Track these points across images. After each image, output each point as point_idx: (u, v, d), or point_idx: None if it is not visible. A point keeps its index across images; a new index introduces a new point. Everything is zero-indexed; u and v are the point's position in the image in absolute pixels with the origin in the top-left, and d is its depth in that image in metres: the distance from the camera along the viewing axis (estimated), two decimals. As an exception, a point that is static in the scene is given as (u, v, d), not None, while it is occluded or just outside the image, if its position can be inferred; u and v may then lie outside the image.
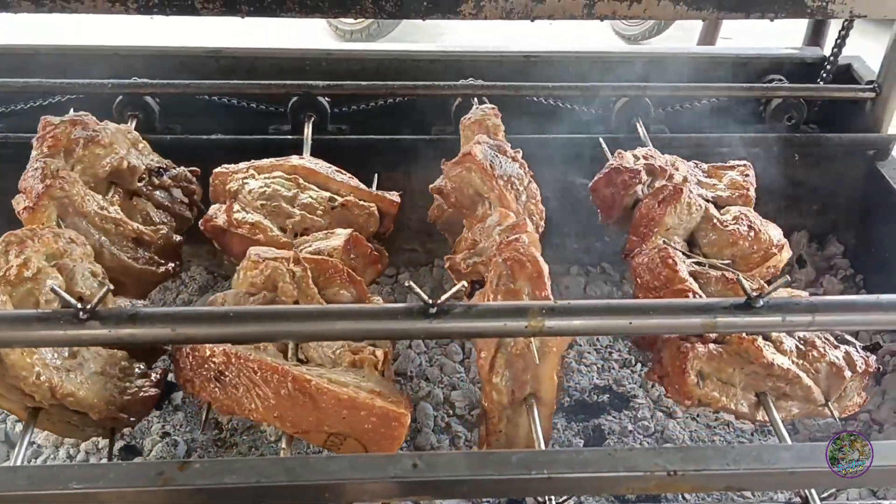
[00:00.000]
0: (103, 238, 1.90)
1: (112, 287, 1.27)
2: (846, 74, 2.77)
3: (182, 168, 2.22)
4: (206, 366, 1.55)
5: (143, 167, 2.11)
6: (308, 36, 6.62)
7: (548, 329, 1.31)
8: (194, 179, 2.24)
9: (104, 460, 2.11)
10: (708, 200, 2.09)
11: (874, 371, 1.85)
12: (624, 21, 6.42)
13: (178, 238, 2.09)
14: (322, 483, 1.05)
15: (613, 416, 2.31)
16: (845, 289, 2.70)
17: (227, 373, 1.50)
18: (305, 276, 1.68)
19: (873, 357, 1.86)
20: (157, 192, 2.13)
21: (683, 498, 2.08)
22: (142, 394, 1.66)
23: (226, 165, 2.12)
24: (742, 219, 2.02)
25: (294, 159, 2.16)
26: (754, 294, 1.33)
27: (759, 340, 1.72)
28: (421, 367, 2.43)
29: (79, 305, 1.22)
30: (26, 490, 1.01)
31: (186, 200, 2.19)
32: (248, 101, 2.59)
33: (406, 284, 1.36)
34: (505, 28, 5.98)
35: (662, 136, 2.60)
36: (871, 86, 2.64)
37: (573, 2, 1.90)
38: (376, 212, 2.10)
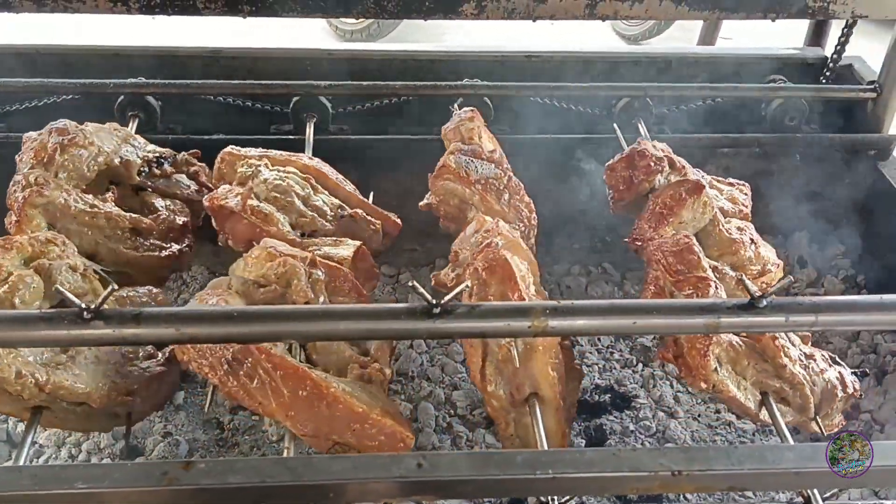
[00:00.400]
0: (98, 234, 1.91)
1: (116, 287, 1.26)
2: (847, 75, 2.77)
3: (182, 154, 2.22)
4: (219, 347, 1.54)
5: (140, 160, 2.11)
6: (308, 36, 6.62)
7: (551, 329, 1.31)
8: (195, 161, 2.23)
9: (106, 460, 2.11)
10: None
11: (857, 398, 1.90)
12: (624, 21, 6.43)
13: (181, 220, 2.07)
14: (326, 483, 1.05)
15: (615, 417, 2.31)
16: (846, 289, 2.71)
17: (243, 361, 1.49)
18: (321, 280, 1.68)
19: (858, 383, 1.90)
20: (162, 182, 2.13)
21: (685, 498, 2.08)
22: (148, 373, 1.66)
23: (236, 147, 2.11)
24: (745, 230, 2.05)
25: (305, 158, 2.16)
26: (757, 294, 1.33)
27: (781, 339, 1.73)
28: (422, 366, 2.44)
29: (83, 305, 1.22)
30: (31, 490, 1.01)
31: (195, 185, 2.18)
32: (249, 101, 2.59)
33: (409, 284, 1.36)
34: (505, 29, 5.99)
35: (664, 137, 2.60)
36: (873, 86, 2.64)
37: (575, 2, 1.89)
38: (381, 229, 2.11)
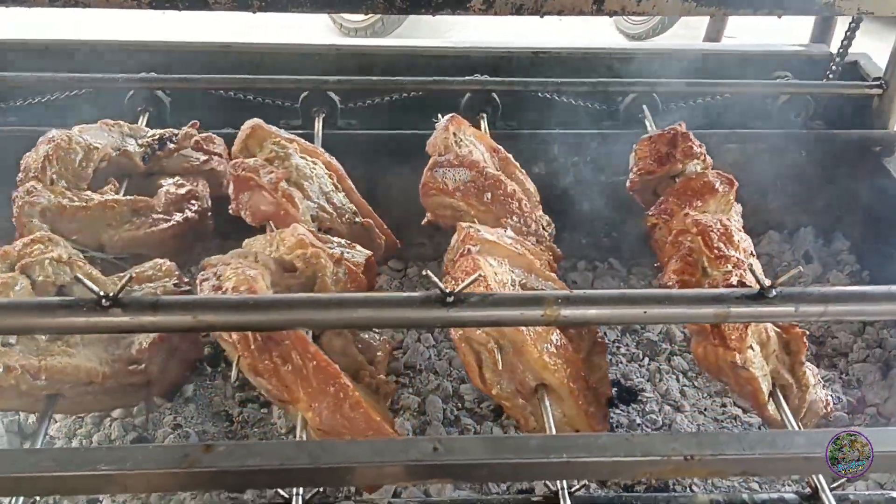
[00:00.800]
0: (98, 225, 1.94)
1: (134, 275, 1.28)
2: (853, 71, 2.78)
3: (182, 129, 2.22)
4: None
5: (140, 148, 2.13)
6: (309, 35, 6.62)
7: (563, 318, 1.32)
8: (195, 133, 2.24)
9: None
10: None
11: (830, 419, 1.97)
12: (628, 19, 6.45)
13: (182, 190, 2.07)
14: (343, 466, 1.07)
15: (622, 410, 2.32)
16: (851, 284, 2.72)
17: (280, 342, 1.50)
18: (343, 280, 1.71)
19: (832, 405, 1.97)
20: (169, 161, 2.14)
21: (691, 490, 2.10)
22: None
23: (265, 124, 2.14)
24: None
25: (326, 154, 2.18)
26: (767, 284, 1.35)
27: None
28: (430, 360, 2.45)
29: (101, 293, 1.24)
30: (54, 471, 1.03)
31: (203, 155, 2.19)
32: (258, 96, 2.61)
33: (424, 273, 1.37)
34: (509, 28, 6.00)
35: (670, 132, 2.62)
36: (878, 83, 2.65)
37: (583, -3, 1.91)
38: (383, 244, 2.14)
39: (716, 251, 1.82)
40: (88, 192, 1.98)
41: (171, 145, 2.17)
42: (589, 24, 6.69)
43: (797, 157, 2.73)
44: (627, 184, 2.28)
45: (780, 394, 1.80)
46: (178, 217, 2.01)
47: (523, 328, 1.63)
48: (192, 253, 2.08)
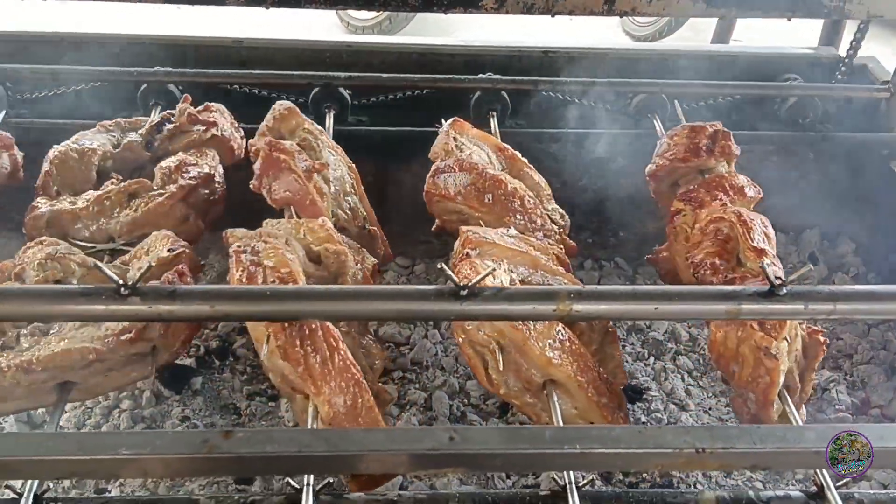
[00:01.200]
0: (103, 218, 1.96)
1: (153, 264, 1.30)
2: (861, 74, 2.79)
3: (177, 108, 2.22)
4: None
5: (139, 138, 2.15)
6: (316, 33, 6.65)
7: (575, 313, 1.33)
8: (188, 107, 2.23)
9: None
10: None
11: None
12: (634, 21, 6.47)
13: (174, 163, 2.06)
14: (360, 453, 1.08)
15: (627, 408, 2.33)
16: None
17: (314, 332, 1.51)
18: (365, 280, 1.73)
19: None
20: (173, 143, 2.15)
21: (695, 487, 2.11)
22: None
23: (299, 110, 2.18)
24: None
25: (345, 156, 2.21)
26: (778, 282, 1.36)
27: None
28: (436, 356, 2.46)
29: (120, 281, 1.25)
30: (76, 455, 1.04)
31: (203, 128, 2.19)
32: (270, 91, 2.62)
33: (438, 266, 1.39)
34: (517, 27, 6.01)
35: (678, 133, 2.63)
36: (886, 86, 2.67)
37: (593, -3, 1.93)
38: (381, 254, 2.17)
39: (755, 243, 1.85)
40: (90, 192, 2.01)
41: (170, 126, 2.18)
42: (595, 26, 6.71)
43: (804, 159, 2.74)
44: (652, 167, 2.26)
45: (786, 394, 1.81)
46: (171, 188, 2.00)
47: (523, 328, 1.64)
48: (206, 223, 2.07)
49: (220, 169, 2.16)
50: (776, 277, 1.37)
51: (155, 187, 2.02)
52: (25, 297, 1.25)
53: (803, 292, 1.37)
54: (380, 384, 1.75)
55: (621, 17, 1.97)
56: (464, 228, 1.91)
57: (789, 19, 2.09)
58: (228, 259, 1.73)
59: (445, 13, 2.04)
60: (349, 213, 2.06)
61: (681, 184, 2.22)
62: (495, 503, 1.47)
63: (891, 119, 2.67)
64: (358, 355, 1.72)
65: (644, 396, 2.37)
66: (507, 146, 2.30)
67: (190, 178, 2.03)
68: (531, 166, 2.28)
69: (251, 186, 2.04)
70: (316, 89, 2.55)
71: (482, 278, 1.34)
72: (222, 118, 2.26)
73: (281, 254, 1.62)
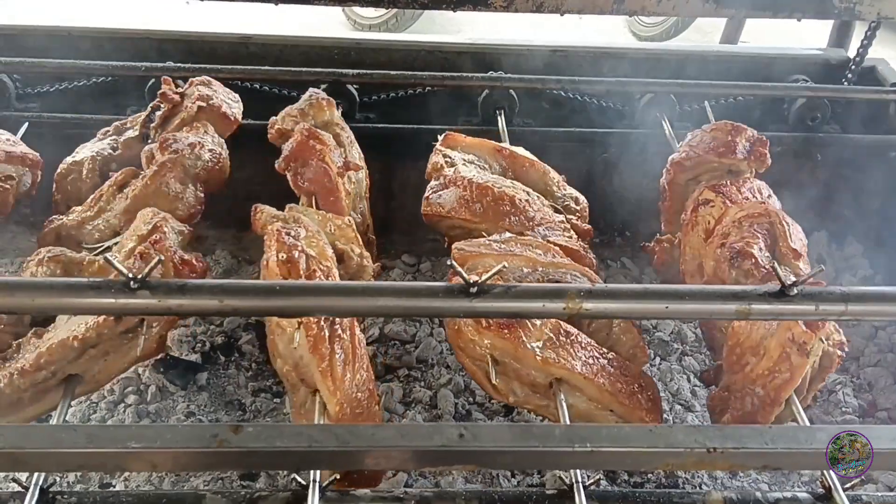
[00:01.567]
0: (106, 215, 1.97)
1: (162, 257, 1.29)
2: (870, 76, 2.79)
3: (162, 95, 2.21)
4: None
5: (135, 132, 2.17)
6: (322, 31, 6.66)
7: (585, 311, 1.33)
8: (172, 86, 2.23)
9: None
10: None
11: None
12: (641, 21, 6.46)
13: (153, 145, 2.06)
14: (370, 449, 1.08)
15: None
16: (864, 288, 2.72)
17: (344, 331, 1.51)
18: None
19: None
20: (170, 126, 2.15)
21: (700, 488, 2.10)
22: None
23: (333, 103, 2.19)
24: None
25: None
26: (789, 282, 1.35)
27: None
28: (442, 354, 2.46)
29: (130, 275, 1.25)
30: (86, 448, 1.04)
31: (191, 102, 2.17)
32: (278, 88, 2.62)
33: (448, 263, 1.38)
34: (523, 27, 6.01)
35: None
36: (895, 88, 2.66)
37: (603, -4, 1.92)
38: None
39: (793, 244, 1.88)
40: (89, 199, 2.03)
41: (157, 115, 2.19)
42: (601, 26, 6.70)
43: (812, 160, 2.73)
44: (679, 155, 2.24)
45: (794, 396, 1.80)
46: (153, 167, 1.99)
47: (511, 336, 1.64)
48: (210, 189, 2.08)
49: (215, 137, 2.15)
50: (787, 278, 1.36)
51: (143, 171, 2.02)
52: (35, 289, 1.25)
53: (814, 293, 1.36)
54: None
55: (630, 15, 1.97)
56: (454, 246, 1.91)
57: (799, 20, 2.08)
58: (264, 237, 1.71)
59: (454, 11, 2.03)
60: (360, 216, 2.06)
61: (702, 179, 2.20)
62: (501, 501, 1.47)
63: (899, 121, 2.67)
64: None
65: (650, 397, 2.36)
66: (505, 146, 2.29)
67: (171, 153, 2.02)
68: (534, 159, 2.25)
69: (276, 167, 2.03)
70: (324, 86, 2.55)
71: (492, 275, 1.34)
72: (209, 89, 2.24)
73: (322, 245, 1.62)
